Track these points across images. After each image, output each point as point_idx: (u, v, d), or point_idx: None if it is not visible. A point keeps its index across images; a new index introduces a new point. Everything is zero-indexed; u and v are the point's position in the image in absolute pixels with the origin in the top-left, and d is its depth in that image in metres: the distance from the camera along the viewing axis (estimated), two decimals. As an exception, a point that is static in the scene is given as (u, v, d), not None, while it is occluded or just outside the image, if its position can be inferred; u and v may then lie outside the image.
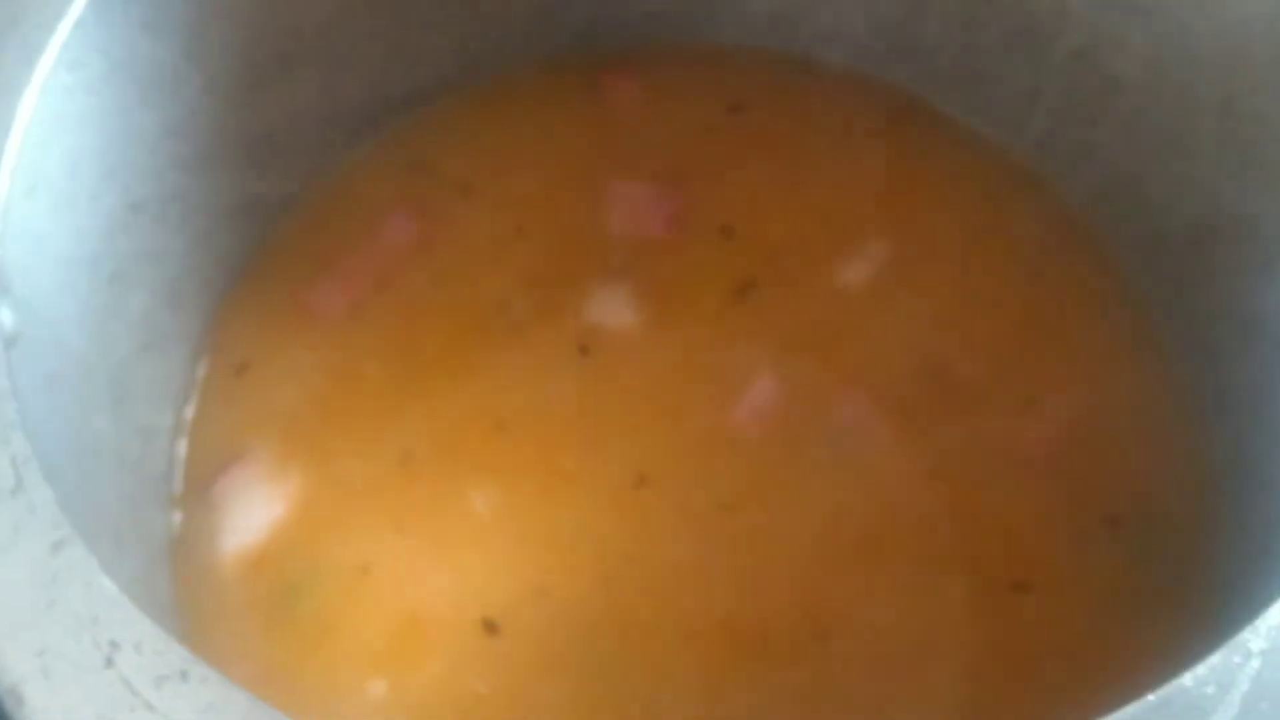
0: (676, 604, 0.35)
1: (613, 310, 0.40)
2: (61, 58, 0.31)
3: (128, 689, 0.21)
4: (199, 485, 0.38)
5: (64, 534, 0.23)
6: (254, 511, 0.37)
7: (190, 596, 0.36)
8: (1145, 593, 0.35)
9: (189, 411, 0.39)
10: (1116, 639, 0.35)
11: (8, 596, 0.23)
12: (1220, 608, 0.33)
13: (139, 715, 0.21)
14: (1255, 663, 0.20)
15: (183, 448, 0.38)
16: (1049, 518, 0.36)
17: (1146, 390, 0.38)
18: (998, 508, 0.36)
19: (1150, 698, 0.20)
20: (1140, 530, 0.36)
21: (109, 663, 0.22)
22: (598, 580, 0.35)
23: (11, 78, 0.29)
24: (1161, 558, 0.36)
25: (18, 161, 0.29)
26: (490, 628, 0.35)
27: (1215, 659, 0.21)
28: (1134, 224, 0.39)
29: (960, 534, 0.36)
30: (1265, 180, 0.34)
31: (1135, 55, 0.37)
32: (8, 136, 0.29)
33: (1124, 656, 0.35)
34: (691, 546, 0.36)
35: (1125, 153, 0.39)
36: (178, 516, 0.38)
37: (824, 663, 0.34)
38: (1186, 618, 0.34)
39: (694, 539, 0.36)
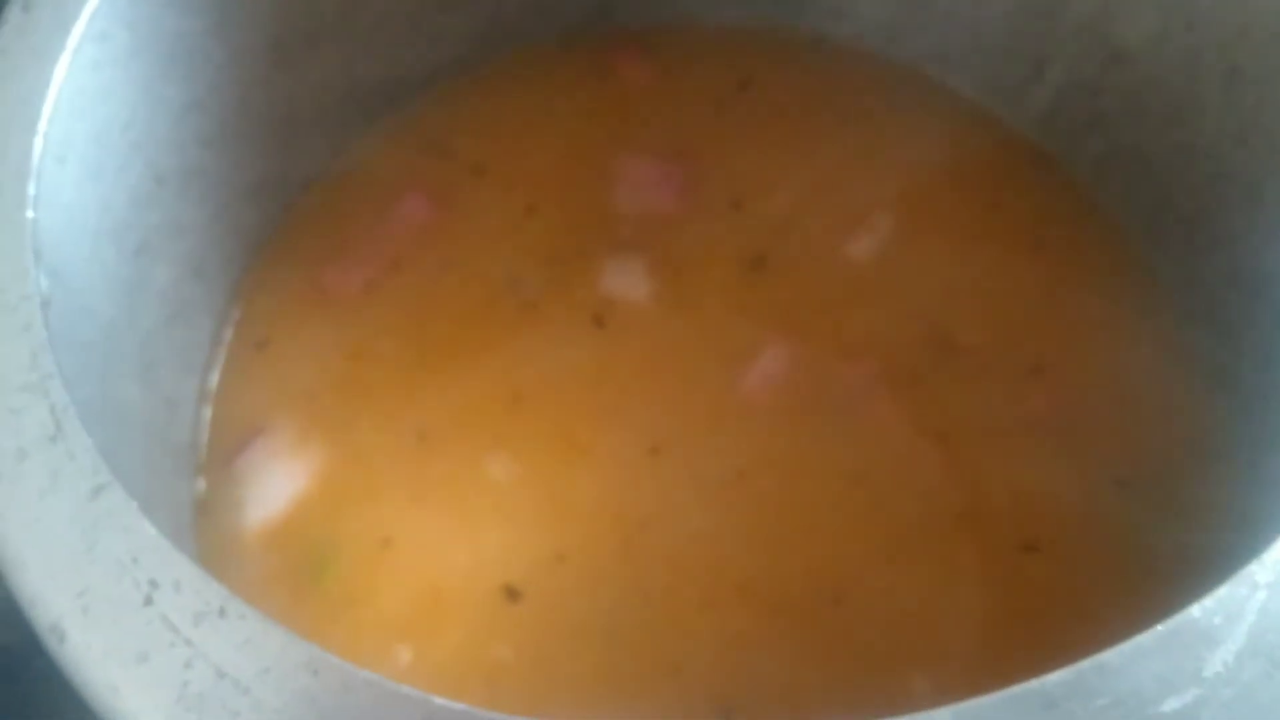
0: (694, 569, 0.36)
1: (626, 283, 0.40)
2: (89, 31, 0.31)
3: (167, 626, 0.22)
4: (223, 457, 0.39)
5: (103, 480, 0.24)
6: (276, 484, 0.38)
7: (215, 565, 0.37)
8: (1153, 552, 0.36)
9: (213, 383, 0.40)
10: (1125, 598, 0.35)
11: (49, 540, 0.23)
12: (1226, 568, 0.34)
13: (178, 650, 0.22)
14: (1262, 594, 0.21)
15: (207, 418, 0.39)
16: (1057, 480, 0.37)
17: (1153, 355, 0.39)
18: (1006, 471, 0.37)
19: (1159, 628, 0.21)
20: (1148, 491, 0.36)
21: (148, 601, 0.22)
22: (616, 547, 0.36)
23: (45, 45, 0.30)
24: (1169, 518, 0.36)
25: (49, 128, 0.29)
26: (512, 595, 0.35)
27: (1223, 591, 0.21)
28: (1139, 193, 0.40)
29: (969, 496, 0.37)
30: (1270, 146, 0.34)
31: (1141, 25, 0.37)
32: (42, 102, 0.29)
33: (1132, 616, 0.35)
34: (706, 513, 0.37)
35: (1130, 123, 0.39)
36: (202, 485, 0.38)
37: (839, 625, 0.35)
38: (1193, 577, 0.35)
39: (708, 506, 0.37)
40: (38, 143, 0.29)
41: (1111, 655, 0.21)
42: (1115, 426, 0.38)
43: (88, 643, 0.22)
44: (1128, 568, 0.36)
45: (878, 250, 0.41)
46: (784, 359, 0.39)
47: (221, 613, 0.22)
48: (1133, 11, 0.37)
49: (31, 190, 0.28)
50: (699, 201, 0.42)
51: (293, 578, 0.36)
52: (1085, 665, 0.21)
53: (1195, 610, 0.21)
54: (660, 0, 0.45)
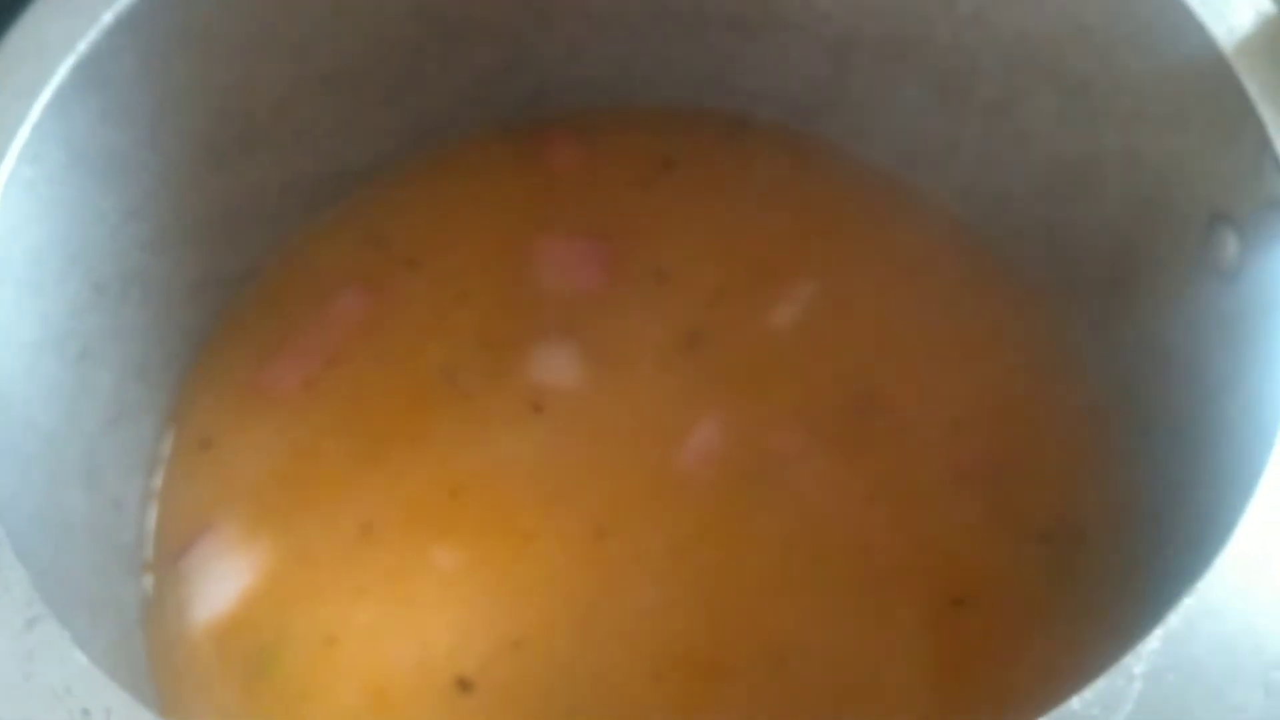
0: (644, 644, 0.37)
1: (558, 368, 0.41)
2: (23, 153, 0.32)
3: (101, 754, 0.23)
4: (169, 555, 0.39)
5: (37, 611, 0.25)
6: (223, 582, 0.38)
7: (165, 663, 0.38)
8: (1073, 606, 0.37)
9: (157, 483, 0.40)
10: (1049, 649, 0.36)
11: (-15, 672, 0.24)
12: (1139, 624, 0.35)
13: (112, 779, 0.22)
14: (1138, 685, 0.22)
15: (152, 517, 0.40)
16: (983, 534, 0.38)
17: (1070, 415, 0.40)
18: (934, 526, 0.38)
19: (1039, 721, 0.22)
20: (1067, 547, 0.38)
21: (82, 730, 0.23)
22: (568, 630, 0.37)
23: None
24: (1086, 573, 0.37)
25: (-17, 258, 0.30)
26: (464, 686, 0.36)
27: (1100, 683, 0.22)
28: (1053, 262, 0.41)
29: (901, 553, 0.38)
30: (1170, 222, 0.36)
31: (1044, 108, 0.39)
32: (-27, 237, 0.30)
33: (1057, 665, 0.36)
34: (653, 589, 0.38)
35: (1040, 198, 0.41)
36: (149, 584, 0.39)
37: (784, 687, 0.36)
38: (1111, 630, 0.36)
39: (655, 582, 0.38)
40: (-30, 275, 0.29)
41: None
42: (1035, 482, 0.39)
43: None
44: (1049, 619, 0.37)
45: (800, 318, 0.42)
46: (717, 432, 0.40)
47: (153, 740, 0.23)
48: (1034, 96, 0.39)
49: (-34, 319, 0.29)
50: (624, 278, 0.43)
51: (242, 675, 0.37)
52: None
53: (1074, 703, 0.22)
54: (590, 84, 0.46)
